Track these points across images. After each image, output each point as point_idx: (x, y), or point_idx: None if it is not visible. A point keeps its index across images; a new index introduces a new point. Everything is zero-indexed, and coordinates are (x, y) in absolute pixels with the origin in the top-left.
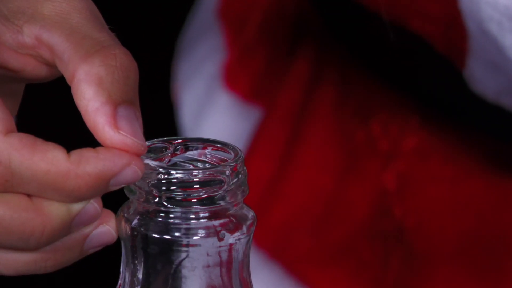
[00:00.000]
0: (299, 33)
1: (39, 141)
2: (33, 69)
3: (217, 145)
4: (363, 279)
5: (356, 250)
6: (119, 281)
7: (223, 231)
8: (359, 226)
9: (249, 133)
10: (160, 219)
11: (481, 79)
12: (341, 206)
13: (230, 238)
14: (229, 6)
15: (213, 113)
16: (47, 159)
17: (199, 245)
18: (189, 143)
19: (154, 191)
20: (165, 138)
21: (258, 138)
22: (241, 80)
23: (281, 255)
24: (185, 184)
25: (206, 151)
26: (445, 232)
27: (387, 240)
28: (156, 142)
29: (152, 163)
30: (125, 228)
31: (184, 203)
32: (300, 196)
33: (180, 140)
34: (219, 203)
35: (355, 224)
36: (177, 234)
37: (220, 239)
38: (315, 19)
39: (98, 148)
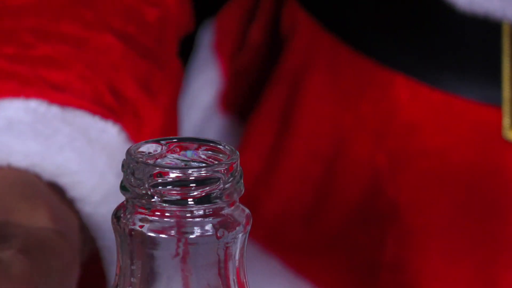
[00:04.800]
0: (286, 40)
1: None
2: None
3: (211, 144)
4: (359, 263)
5: (351, 235)
6: (114, 281)
7: (220, 230)
8: (353, 211)
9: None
10: (156, 218)
11: None
12: (332, 193)
13: (227, 237)
14: (223, 38)
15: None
16: None
17: (196, 244)
18: (183, 143)
19: (150, 190)
20: (158, 138)
21: (247, 132)
22: (236, 105)
23: (276, 246)
24: (181, 183)
25: (200, 150)
26: (438, 205)
27: (382, 221)
28: (150, 142)
29: (148, 162)
30: (121, 227)
31: (180, 202)
32: (291, 186)
33: (174, 140)
34: (215, 202)
35: (348, 209)
36: (173, 233)
37: (217, 238)
38: (304, 19)
39: None
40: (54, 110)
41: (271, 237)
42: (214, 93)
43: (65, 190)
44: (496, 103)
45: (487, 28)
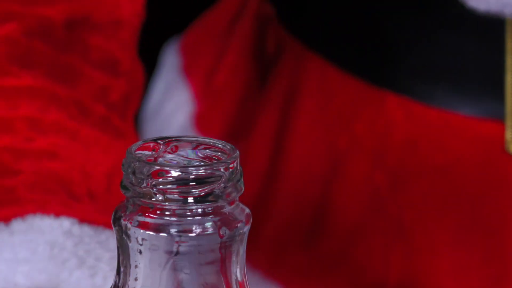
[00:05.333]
0: (272, 63)
1: None
2: None
3: (210, 143)
4: (363, 284)
5: (353, 256)
6: (114, 280)
7: (221, 228)
8: (353, 231)
9: None
10: (156, 217)
11: None
12: (331, 214)
13: (228, 235)
14: (193, 61)
15: None
16: None
17: (197, 242)
18: (182, 142)
19: (150, 189)
20: (157, 137)
21: (241, 158)
22: (215, 125)
23: (277, 273)
24: (181, 182)
25: (199, 149)
26: (443, 222)
27: (385, 240)
28: (149, 141)
29: (149, 161)
30: (121, 227)
31: (181, 200)
32: (288, 210)
33: (173, 139)
34: (216, 201)
35: (348, 230)
36: (174, 231)
37: (220, 236)
38: (290, 41)
39: None
40: (87, 230)
41: (272, 262)
42: (187, 114)
43: None
44: (497, 117)
45: (488, 30)
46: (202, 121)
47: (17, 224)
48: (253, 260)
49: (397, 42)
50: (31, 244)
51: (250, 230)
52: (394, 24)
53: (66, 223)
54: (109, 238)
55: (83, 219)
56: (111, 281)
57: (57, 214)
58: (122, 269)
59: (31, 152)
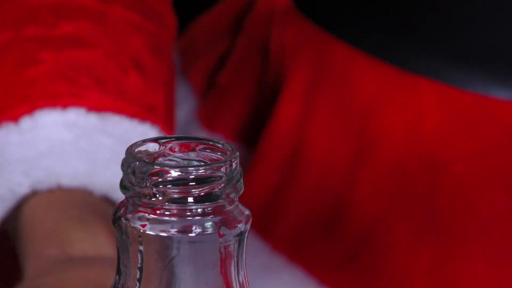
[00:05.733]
0: (289, 55)
1: None
2: None
3: (210, 143)
4: (390, 272)
5: (378, 243)
6: (114, 281)
7: (220, 228)
8: (379, 219)
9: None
10: (156, 217)
11: None
12: (356, 201)
13: (228, 235)
14: (191, 59)
15: None
16: None
17: (197, 242)
18: (182, 141)
19: (150, 189)
20: (157, 137)
21: (261, 146)
22: (223, 122)
23: (300, 258)
24: (181, 182)
25: (198, 148)
26: (477, 209)
27: (415, 227)
28: (148, 141)
29: (149, 161)
30: (121, 227)
31: (181, 200)
32: (312, 196)
33: (172, 139)
34: (216, 200)
35: (374, 217)
36: (174, 231)
37: (220, 236)
38: (311, 30)
39: None
40: (93, 120)
41: (296, 247)
42: (189, 109)
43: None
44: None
45: None
46: (207, 118)
47: (25, 122)
48: (278, 245)
49: (430, 26)
50: (36, 141)
51: (276, 215)
52: (426, 7)
53: (71, 115)
54: (116, 125)
55: (92, 108)
56: (115, 168)
57: (65, 106)
58: (122, 269)
59: (54, 39)
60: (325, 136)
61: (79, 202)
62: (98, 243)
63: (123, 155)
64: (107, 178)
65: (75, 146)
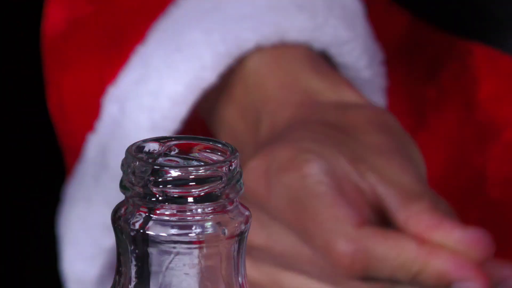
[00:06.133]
0: None
1: (390, 231)
2: None
3: (210, 143)
4: None
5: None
6: (114, 280)
7: (221, 228)
8: (434, 184)
9: None
10: (156, 217)
11: None
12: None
13: (228, 235)
14: None
15: None
16: (399, 245)
17: (196, 242)
18: (182, 141)
19: (150, 189)
20: (157, 137)
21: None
22: None
23: None
24: (181, 182)
25: (198, 148)
26: None
27: (465, 194)
28: (149, 141)
29: (149, 161)
30: (121, 227)
31: (181, 200)
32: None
33: (172, 139)
34: (216, 201)
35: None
36: (173, 231)
37: (218, 236)
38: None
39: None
40: None
41: None
42: None
43: (331, 57)
44: None
45: None
46: None
47: None
48: None
49: None
50: None
51: None
52: None
53: None
54: None
55: None
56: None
57: None
58: (122, 269)
59: None
60: (390, 101)
61: (307, 56)
62: (343, 93)
63: (336, 11)
64: (330, 32)
65: (295, 4)
